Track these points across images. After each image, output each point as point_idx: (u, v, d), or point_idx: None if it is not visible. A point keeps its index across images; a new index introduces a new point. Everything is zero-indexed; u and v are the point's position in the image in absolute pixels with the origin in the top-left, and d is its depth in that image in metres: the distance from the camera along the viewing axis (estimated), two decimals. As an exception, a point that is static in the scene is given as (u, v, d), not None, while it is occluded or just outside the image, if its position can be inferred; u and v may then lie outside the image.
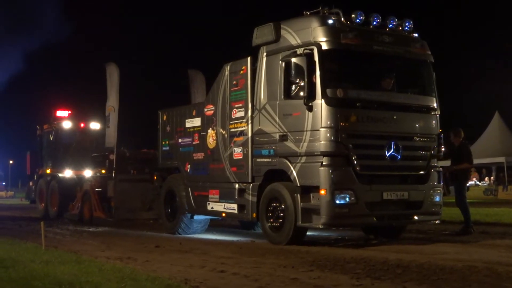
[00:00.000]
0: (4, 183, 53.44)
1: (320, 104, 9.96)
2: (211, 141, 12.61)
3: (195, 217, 13.39)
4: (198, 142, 13.10)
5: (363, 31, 10.50)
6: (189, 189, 13.21)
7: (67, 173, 19.72)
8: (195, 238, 12.62)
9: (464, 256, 8.80)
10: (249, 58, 11.55)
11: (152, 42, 63.43)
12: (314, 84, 10.03)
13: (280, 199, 10.60)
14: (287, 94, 10.57)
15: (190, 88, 17.68)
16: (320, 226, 10.11)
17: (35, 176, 21.96)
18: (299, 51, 10.32)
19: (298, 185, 10.27)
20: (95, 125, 20.56)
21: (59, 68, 67.22)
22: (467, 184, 13.41)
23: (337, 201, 9.82)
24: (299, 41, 10.51)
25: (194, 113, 13.39)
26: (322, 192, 9.84)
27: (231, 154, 11.87)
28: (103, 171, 17.72)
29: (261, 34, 11.29)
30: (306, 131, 10.17)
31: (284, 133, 10.61)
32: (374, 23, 10.66)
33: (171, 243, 11.27)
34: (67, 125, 20.67)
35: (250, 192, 11.30)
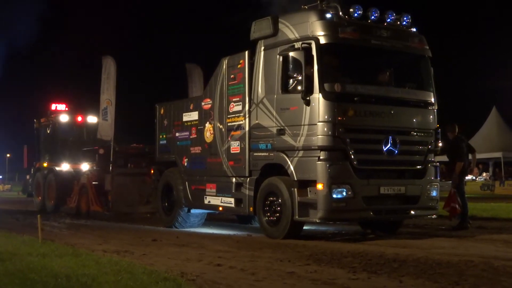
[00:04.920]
0: (1, 177, 53.38)
1: (317, 98, 9.95)
2: (208, 135, 12.60)
3: (192, 211, 13.40)
4: (195, 136, 13.09)
5: (361, 26, 10.48)
6: (186, 183, 13.21)
7: (64, 166, 19.66)
8: (192, 232, 12.62)
9: (461, 251, 8.81)
10: (246, 52, 11.51)
11: (149, 36, 63.27)
12: (312, 78, 10.01)
13: (277, 193, 10.60)
14: (285, 88, 10.56)
15: (188, 82, 17.69)
16: (317, 220, 10.13)
17: (32, 169, 21.91)
18: (297, 45, 10.29)
19: (295, 179, 10.26)
20: (92, 119, 20.47)
21: (57, 61, 67.00)
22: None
23: (334, 196, 9.82)
24: (297, 35, 10.49)
25: (191, 107, 13.37)
26: (319, 186, 9.84)
27: (229, 148, 11.86)
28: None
29: (259, 28, 11.26)
30: (304, 125, 10.16)
31: (282, 127, 10.60)
32: (372, 17, 10.63)
33: (168, 237, 11.27)
34: (64, 118, 20.61)
35: (247, 186, 11.30)
